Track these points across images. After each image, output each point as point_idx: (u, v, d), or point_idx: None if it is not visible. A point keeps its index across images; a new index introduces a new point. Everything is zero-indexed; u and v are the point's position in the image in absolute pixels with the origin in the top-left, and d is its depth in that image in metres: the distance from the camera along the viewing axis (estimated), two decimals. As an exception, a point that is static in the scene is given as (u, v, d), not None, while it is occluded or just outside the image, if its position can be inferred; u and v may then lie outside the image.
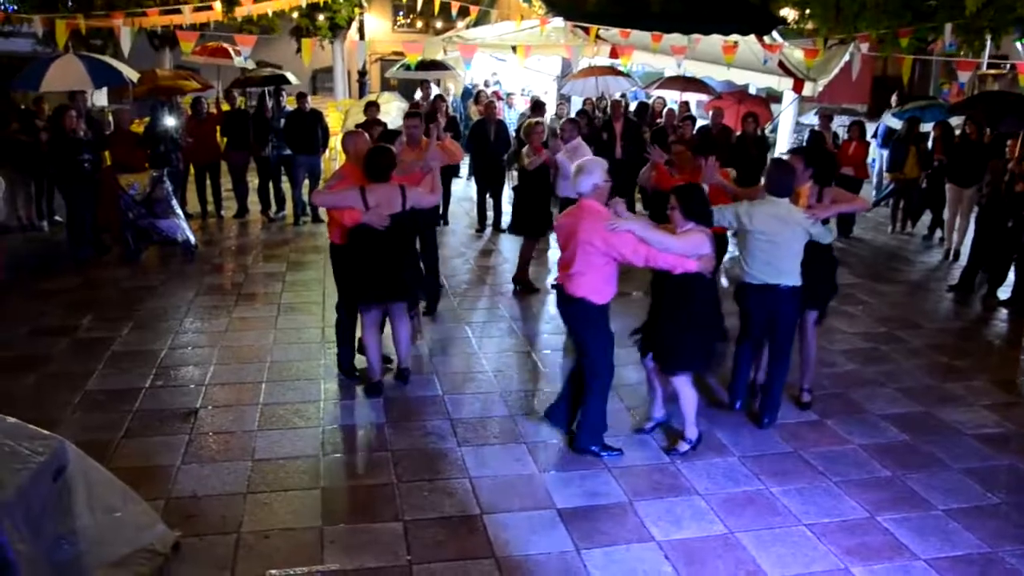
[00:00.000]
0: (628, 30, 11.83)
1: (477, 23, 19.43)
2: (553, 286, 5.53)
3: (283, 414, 5.84)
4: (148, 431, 5.56)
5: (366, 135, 6.52)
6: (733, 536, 4.52)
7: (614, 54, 11.76)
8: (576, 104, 14.20)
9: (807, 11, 16.43)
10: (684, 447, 5.44)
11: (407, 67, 14.75)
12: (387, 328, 6.40)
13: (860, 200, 6.48)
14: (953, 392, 6.54)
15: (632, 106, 13.59)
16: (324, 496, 4.81)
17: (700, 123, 11.48)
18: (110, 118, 14.57)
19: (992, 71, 20.93)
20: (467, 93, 18.13)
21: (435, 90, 14.41)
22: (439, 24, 26.11)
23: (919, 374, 6.89)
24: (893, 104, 15.50)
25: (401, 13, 32.02)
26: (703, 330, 5.26)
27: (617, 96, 12.70)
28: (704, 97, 12.71)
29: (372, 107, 11.02)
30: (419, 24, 29.59)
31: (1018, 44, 19.99)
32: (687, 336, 5.24)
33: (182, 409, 5.88)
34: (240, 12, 12.79)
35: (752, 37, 13.80)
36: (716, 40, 12.27)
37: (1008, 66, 20.59)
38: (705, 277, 5.15)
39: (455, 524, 4.57)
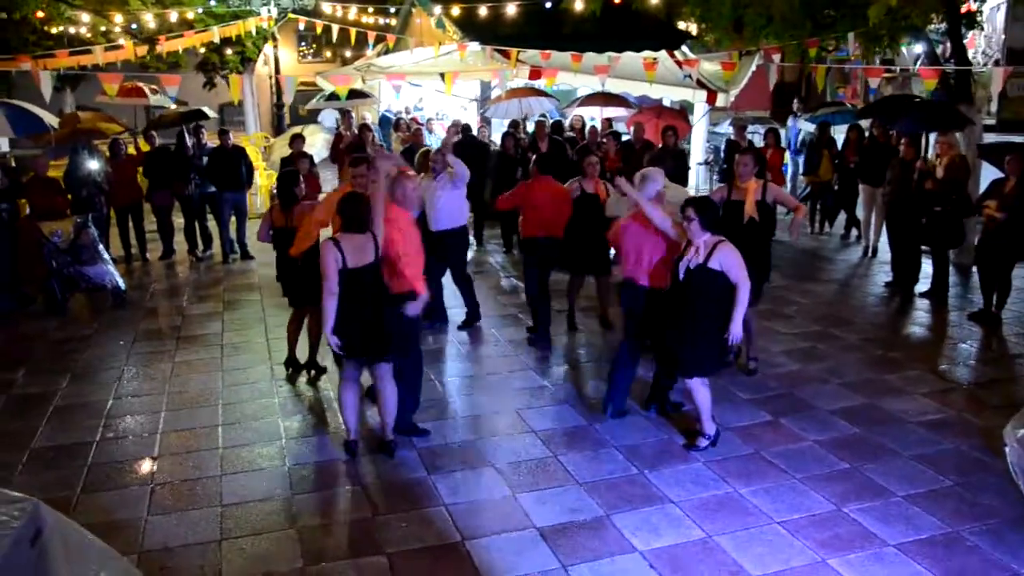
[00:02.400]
0: (549, 52, 12.04)
1: (389, 51, 19.45)
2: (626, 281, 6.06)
3: (245, 456, 5.73)
4: (106, 485, 5.37)
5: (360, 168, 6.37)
6: (712, 540, 4.64)
7: (534, 75, 11.93)
8: (496, 126, 14.33)
9: (705, 25, 17.04)
10: (703, 443, 5.71)
11: (332, 97, 14.64)
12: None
13: (799, 203, 6.97)
14: (892, 383, 6.85)
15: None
16: (301, 536, 4.74)
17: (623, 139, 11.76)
18: (12, 163, 14.08)
19: (886, 75, 22.04)
20: (385, 121, 18.09)
21: (357, 119, 14.35)
22: (347, 53, 26.03)
23: (858, 368, 7.19)
24: (795, 109, 16.19)
25: (304, 44, 31.87)
26: (714, 335, 5.50)
27: (539, 117, 12.88)
28: (622, 112, 13.00)
29: (298, 139, 10.90)
30: (327, 54, 29.44)
31: (903, 49, 21.17)
32: (700, 341, 5.51)
33: (139, 460, 5.71)
34: (160, 49, 12.51)
35: (664, 53, 14.22)
36: (634, 57, 12.59)
37: (898, 69, 21.78)
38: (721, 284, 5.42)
39: (439, 553, 4.56)
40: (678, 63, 13.76)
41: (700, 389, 5.63)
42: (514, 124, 12.89)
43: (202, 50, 21.03)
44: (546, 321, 7.87)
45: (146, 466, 5.61)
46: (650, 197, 5.81)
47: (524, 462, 5.58)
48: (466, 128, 12.50)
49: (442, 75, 11.00)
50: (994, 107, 17.48)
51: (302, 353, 7.25)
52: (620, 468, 5.49)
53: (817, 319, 8.57)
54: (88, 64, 13.19)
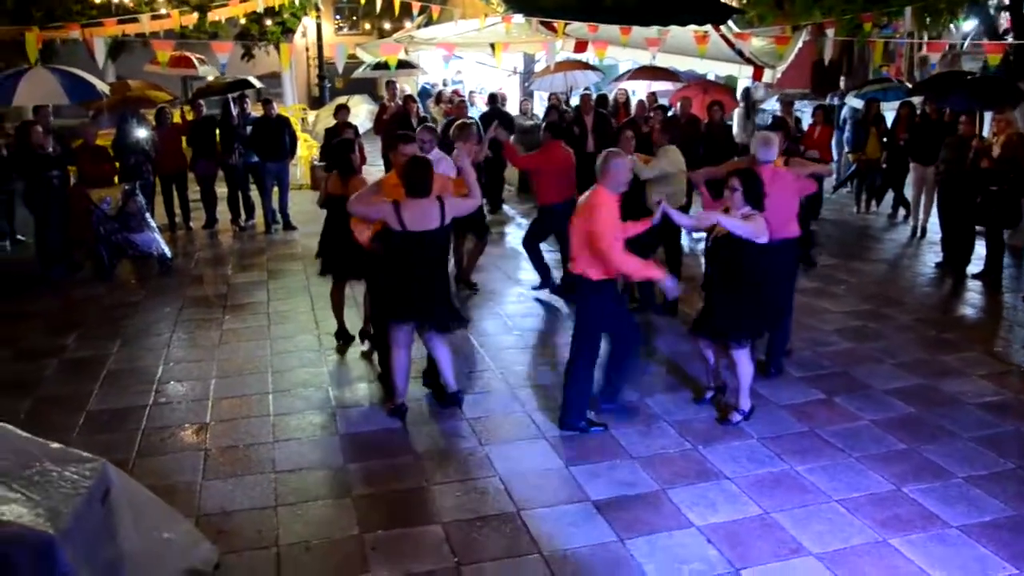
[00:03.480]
0: (595, 24, 11.88)
1: (428, 23, 19.33)
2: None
3: (297, 424, 5.75)
4: (161, 449, 5.43)
5: (411, 146, 6.08)
6: (769, 516, 4.59)
7: (580, 48, 11.78)
8: (540, 100, 14.22)
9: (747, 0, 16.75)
10: (737, 417, 5.67)
11: (378, 67, 14.59)
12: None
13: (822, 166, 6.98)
14: (948, 364, 6.71)
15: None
16: (356, 504, 4.75)
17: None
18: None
19: (932, 52, 21.55)
20: (425, 93, 18.02)
21: (401, 90, 14.26)
22: (386, 26, 25.90)
23: (913, 348, 7.06)
24: (843, 87, 15.86)
25: (340, 16, 31.79)
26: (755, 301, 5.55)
27: (584, 90, 12.72)
28: (668, 86, 12.81)
29: (343, 110, 10.88)
30: (366, 26, 29.35)
31: (951, 25, 20.70)
32: (743, 308, 5.52)
33: (191, 425, 5.76)
34: (212, 16, 12.51)
35: (710, 27, 13.97)
36: (684, 31, 12.38)
37: (960, 44, 21.26)
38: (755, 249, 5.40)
39: (494, 523, 4.55)
40: (726, 40, 13.49)
41: (744, 361, 5.59)
42: (554, 99, 12.78)
43: (242, 20, 21.01)
44: (542, 268, 8.44)
45: (199, 431, 5.66)
46: (772, 159, 6.04)
47: (575, 435, 5.55)
48: (493, 97, 12.46)
49: (492, 46, 10.88)
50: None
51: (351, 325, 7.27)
52: (673, 443, 5.44)
53: (867, 298, 8.42)
54: (133, 33, 13.24)
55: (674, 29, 11.89)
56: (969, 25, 19.78)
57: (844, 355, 6.91)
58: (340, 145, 7.01)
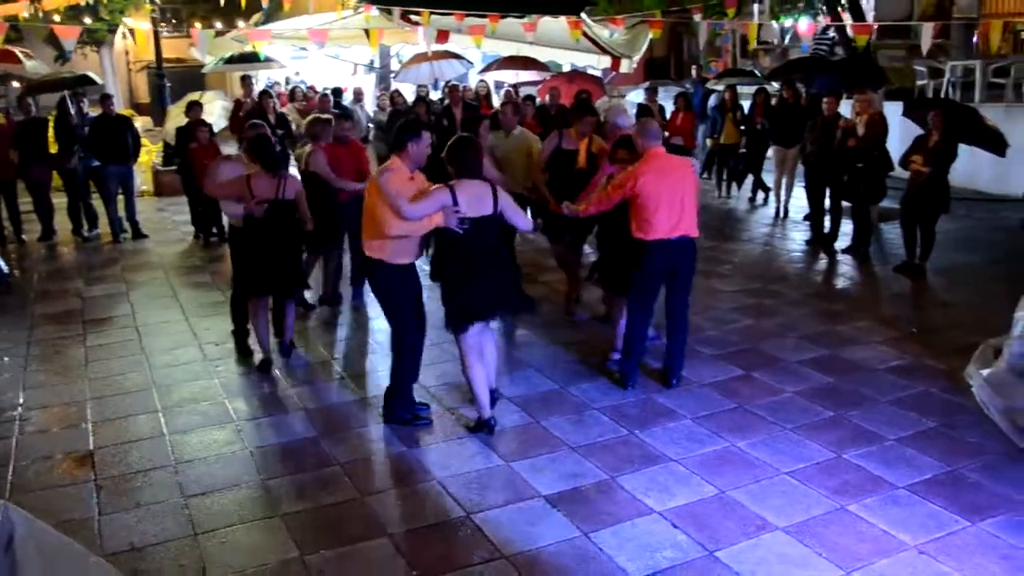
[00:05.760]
0: (461, 13, 11.62)
1: (267, 20, 18.47)
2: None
3: (198, 442, 5.15)
4: (41, 484, 4.71)
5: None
6: (726, 495, 4.47)
7: (441, 38, 11.48)
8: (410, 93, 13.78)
9: None
10: (616, 356, 6.03)
11: (236, 60, 13.71)
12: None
13: None
14: (846, 334, 6.89)
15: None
16: (287, 523, 4.26)
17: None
18: None
19: (761, 47, 22.74)
20: (263, 93, 17.18)
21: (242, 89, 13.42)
22: (218, 24, 24.62)
23: (810, 321, 7.22)
24: (696, 76, 16.40)
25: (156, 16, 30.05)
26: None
27: (453, 81, 12.43)
28: (535, 76, 12.74)
29: (196, 107, 10.09)
30: (197, 25, 27.79)
31: (773, 24, 21.93)
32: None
33: (74, 453, 5.04)
34: (46, 5, 11.26)
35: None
36: (550, 21, 12.33)
37: (775, 41, 22.54)
38: None
39: (447, 530, 4.19)
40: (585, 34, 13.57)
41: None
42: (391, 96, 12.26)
43: (56, 18, 19.33)
44: None
45: (83, 460, 4.95)
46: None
47: (505, 430, 5.26)
48: (335, 91, 12.07)
49: (367, 32, 10.39)
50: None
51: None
52: (609, 430, 5.24)
53: (752, 277, 8.59)
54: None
55: (543, 21, 11.81)
56: (788, 22, 21.01)
57: (748, 331, 6.98)
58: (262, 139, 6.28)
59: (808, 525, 4.17)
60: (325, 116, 7.69)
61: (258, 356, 6.41)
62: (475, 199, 4.84)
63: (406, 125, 5.13)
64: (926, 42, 9.75)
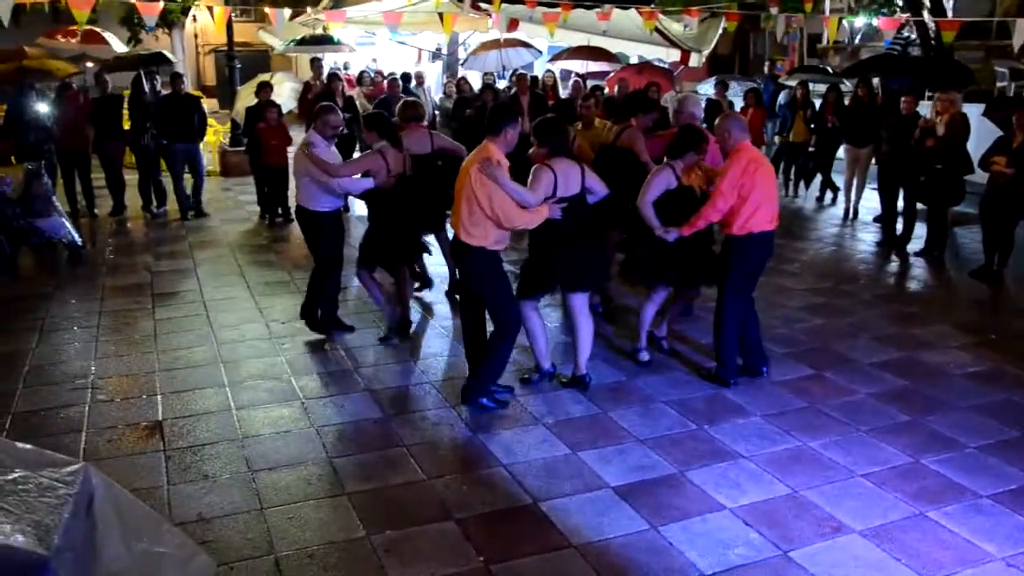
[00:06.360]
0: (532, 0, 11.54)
1: (336, 4, 18.61)
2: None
3: (264, 418, 5.18)
4: (112, 452, 4.77)
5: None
6: (799, 495, 4.34)
7: (512, 26, 11.42)
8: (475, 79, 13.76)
9: None
10: (643, 351, 6.04)
11: (309, 42, 13.83)
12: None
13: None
14: (921, 337, 6.68)
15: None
16: (354, 502, 4.25)
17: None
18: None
19: (833, 46, 22.27)
20: (332, 76, 17.28)
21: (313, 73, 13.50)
22: (287, 11, 24.92)
23: (883, 323, 7.01)
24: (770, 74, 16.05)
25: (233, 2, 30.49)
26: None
27: (520, 69, 12.36)
28: (605, 67, 12.61)
29: (266, 87, 10.19)
30: (267, 10, 28.15)
31: (845, 23, 21.42)
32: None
33: (143, 424, 5.10)
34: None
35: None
36: (619, 13, 12.18)
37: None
38: None
39: (514, 516, 4.14)
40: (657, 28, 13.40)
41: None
42: (460, 84, 12.18)
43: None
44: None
45: (152, 431, 5.01)
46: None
47: (571, 419, 5.20)
48: (404, 76, 12.06)
49: (441, 16, 10.38)
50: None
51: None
52: (676, 424, 5.15)
53: (822, 276, 8.38)
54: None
55: (614, 13, 11.67)
56: (860, 21, 20.47)
57: (819, 330, 6.80)
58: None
59: (886, 529, 4.03)
60: (412, 99, 7.77)
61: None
62: (569, 177, 5.13)
63: (503, 110, 5.16)
64: (1018, 40, 9.38)
